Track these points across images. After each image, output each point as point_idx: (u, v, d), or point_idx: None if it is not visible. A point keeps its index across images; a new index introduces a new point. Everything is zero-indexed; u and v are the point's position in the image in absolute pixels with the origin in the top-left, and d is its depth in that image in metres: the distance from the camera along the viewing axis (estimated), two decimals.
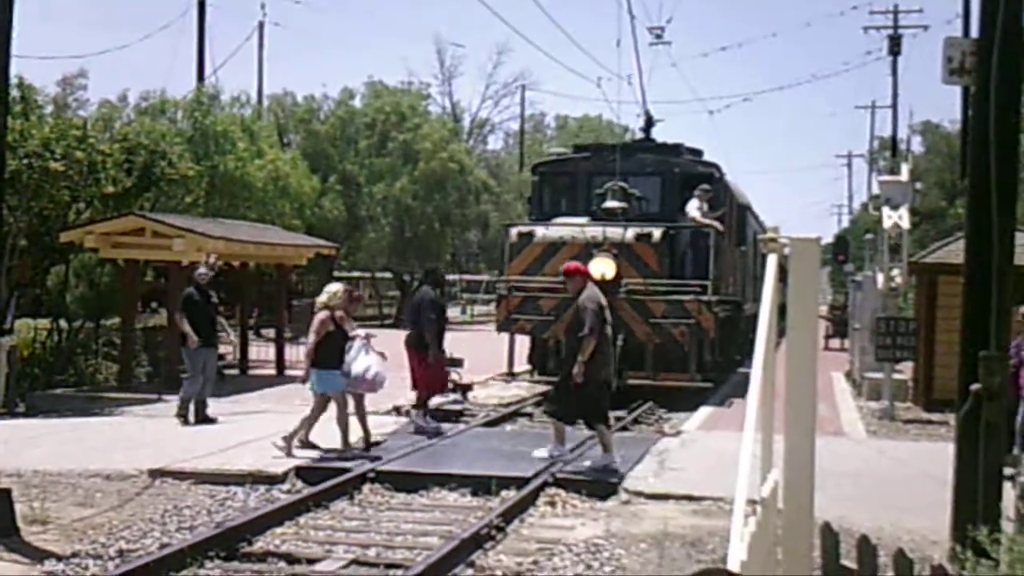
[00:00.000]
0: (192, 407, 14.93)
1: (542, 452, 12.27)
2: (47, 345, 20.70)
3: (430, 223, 46.23)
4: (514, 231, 20.74)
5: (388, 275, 51.58)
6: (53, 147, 18.22)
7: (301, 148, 43.21)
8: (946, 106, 78.14)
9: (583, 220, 20.11)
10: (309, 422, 12.82)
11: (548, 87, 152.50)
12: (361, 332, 13.11)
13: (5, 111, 9.44)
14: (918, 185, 20.45)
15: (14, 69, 10.01)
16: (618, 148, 21.63)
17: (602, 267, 18.58)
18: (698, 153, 22.60)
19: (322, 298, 13.05)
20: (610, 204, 20.07)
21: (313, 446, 12.71)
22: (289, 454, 12.28)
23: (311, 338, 12.73)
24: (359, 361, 12.59)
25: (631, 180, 20.57)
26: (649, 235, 19.26)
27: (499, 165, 59.65)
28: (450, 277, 63.35)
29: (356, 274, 52.76)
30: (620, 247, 19.15)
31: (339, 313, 12.88)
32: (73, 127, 19.97)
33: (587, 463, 11.94)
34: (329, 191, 43.50)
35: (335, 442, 12.80)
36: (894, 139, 48.58)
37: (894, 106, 48.99)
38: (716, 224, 20.18)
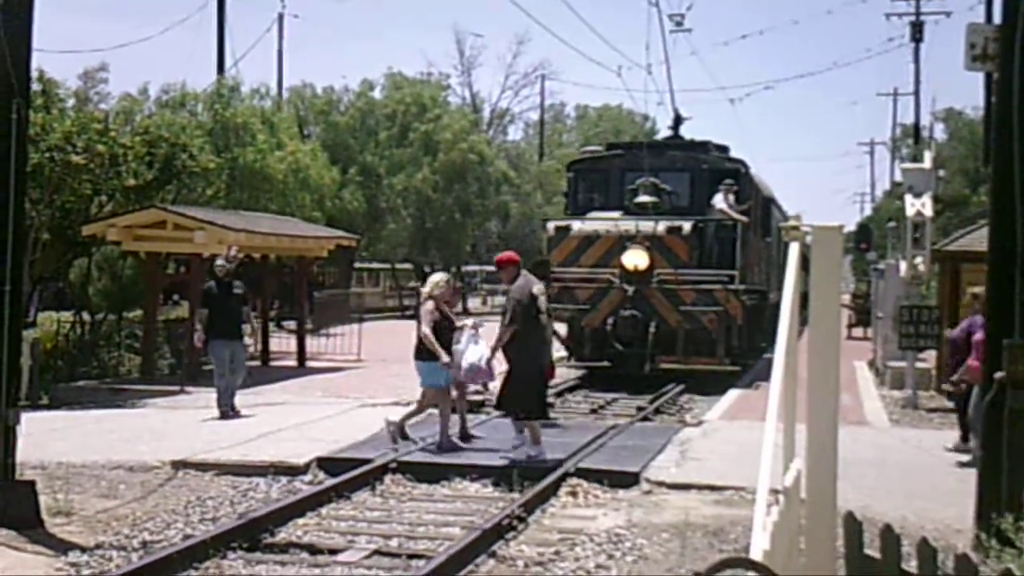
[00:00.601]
0: (226, 398, 14.86)
1: (520, 454, 11.86)
2: (70, 338, 20.82)
3: (450, 214, 46.24)
4: (552, 225, 21.70)
5: (408, 266, 51.61)
6: (75, 140, 18.31)
7: (321, 140, 43.25)
8: (969, 93, 77.83)
9: (617, 214, 20.98)
10: (415, 412, 12.63)
11: (568, 77, 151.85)
12: (469, 322, 12.80)
13: (27, 105, 9.47)
14: (941, 172, 20.37)
15: (35, 63, 10.02)
16: (649, 146, 22.86)
17: (635, 258, 19.64)
18: (725, 149, 23.37)
19: (426, 288, 12.67)
20: (642, 199, 20.93)
21: (406, 437, 12.45)
22: (396, 440, 12.18)
23: (425, 328, 12.17)
24: (470, 351, 12.22)
25: (662, 176, 21.50)
26: (679, 228, 20.21)
27: (519, 155, 59.55)
28: (470, 268, 63.38)
29: (376, 265, 52.85)
30: (652, 239, 20.02)
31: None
32: (94, 120, 20.06)
33: (512, 454, 11.82)
34: (349, 183, 43.54)
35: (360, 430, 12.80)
36: (916, 126, 48.34)
37: (916, 93, 48.78)
38: (742, 217, 20.92)
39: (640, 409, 16.68)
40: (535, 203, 54.71)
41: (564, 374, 20.33)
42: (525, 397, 11.74)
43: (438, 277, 12.85)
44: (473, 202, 47.35)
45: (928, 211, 17.76)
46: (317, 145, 38.80)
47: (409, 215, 45.74)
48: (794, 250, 4.89)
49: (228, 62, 35.41)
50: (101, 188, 19.76)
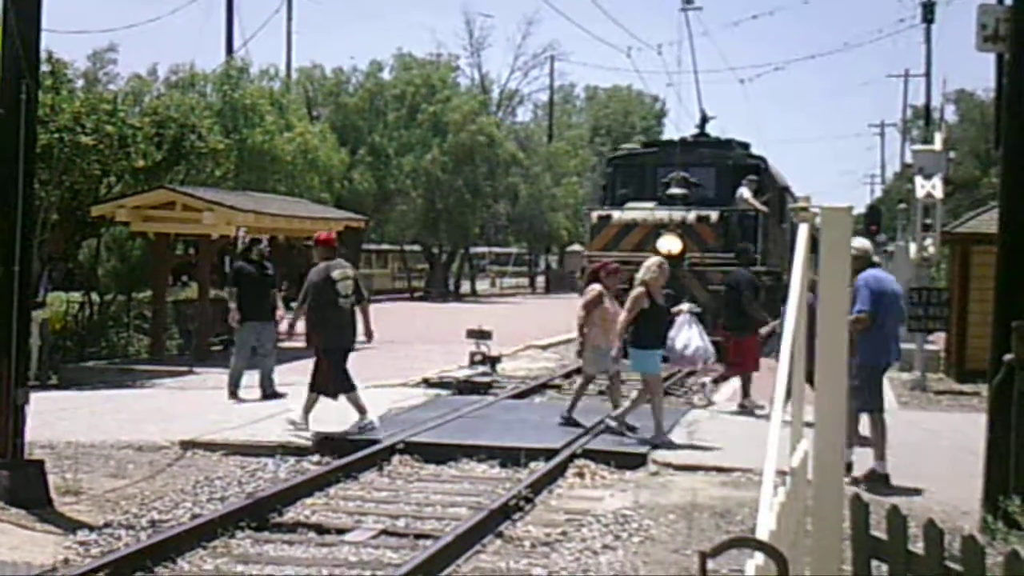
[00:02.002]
0: (268, 383, 14.83)
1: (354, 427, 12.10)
2: (79, 318, 20.87)
3: (459, 195, 46.21)
4: (594, 214, 24.07)
5: (417, 248, 51.61)
6: (84, 121, 18.30)
7: (330, 121, 43.20)
8: (980, 74, 77.52)
9: (651, 205, 23.25)
10: (635, 403, 12.27)
11: (577, 58, 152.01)
12: (685, 307, 12.65)
13: (36, 86, 9.47)
14: (951, 154, 20.36)
15: (44, 43, 10.01)
16: (680, 144, 25.50)
17: (669, 244, 21.63)
18: (746, 146, 26.09)
19: (640, 273, 12.11)
20: (674, 191, 23.26)
21: (632, 428, 12.14)
22: (620, 432, 11.95)
23: (623, 316, 11.89)
24: (680, 336, 12.06)
25: (691, 170, 23.91)
26: (707, 217, 22.56)
27: (528, 137, 59.42)
28: (479, 250, 63.39)
29: (385, 247, 52.89)
30: (683, 227, 22.27)
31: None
32: (103, 101, 20.06)
33: (347, 427, 12.01)
34: (358, 164, 43.53)
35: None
36: (927, 108, 48.05)
37: (927, 74, 48.44)
38: (763, 207, 23.21)
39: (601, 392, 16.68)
40: (544, 185, 54.65)
41: (559, 360, 20.37)
42: (333, 377, 12.11)
43: (651, 262, 12.31)
44: (482, 184, 47.30)
45: (938, 193, 17.71)
46: (326, 126, 38.78)
47: (418, 196, 45.71)
48: (803, 231, 4.87)
49: (237, 43, 35.52)
50: (110, 169, 19.76)
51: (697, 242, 22.15)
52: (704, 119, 26.95)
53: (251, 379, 14.86)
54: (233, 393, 14.70)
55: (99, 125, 18.48)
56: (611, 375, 12.80)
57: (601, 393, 14.61)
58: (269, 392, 14.76)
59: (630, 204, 23.74)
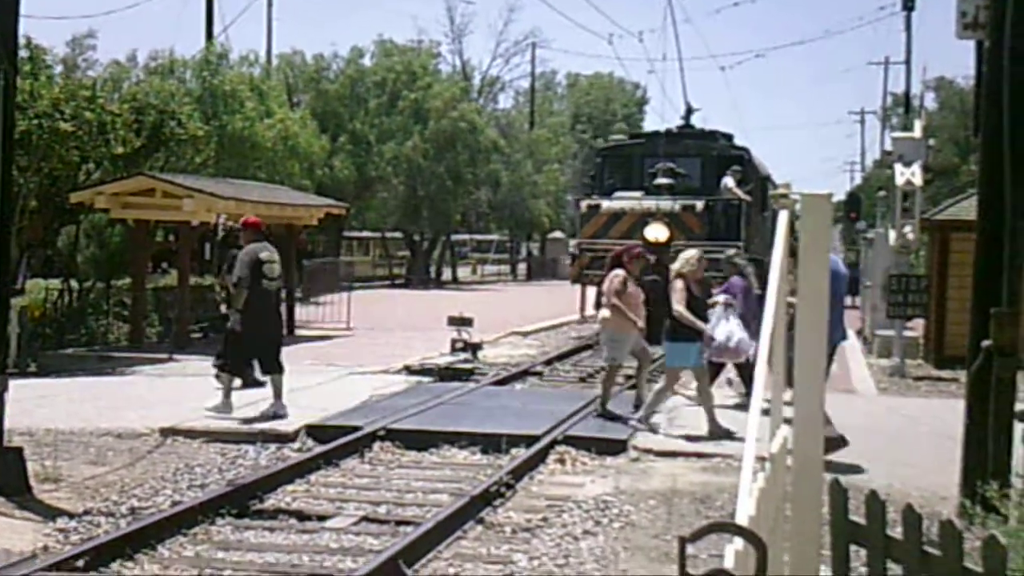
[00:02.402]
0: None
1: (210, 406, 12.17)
2: (58, 305, 20.77)
3: (441, 182, 46.13)
4: (584, 203, 25.21)
5: (398, 235, 51.53)
6: (63, 107, 18.19)
7: (310, 108, 43.02)
8: (960, 62, 77.72)
9: (639, 194, 24.23)
10: (663, 393, 12.06)
11: (559, 45, 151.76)
12: (721, 298, 12.37)
13: (15, 72, 9.40)
14: (931, 142, 20.43)
15: (23, 29, 9.93)
16: (666, 135, 26.48)
17: (656, 232, 22.07)
18: (730, 137, 27.14)
19: (676, 265, 12.00)
20: (660, 181, 24.21)
21: (654, 430, 11.76)
22: (647, 426, 11.69)
23: (679, 307, 11.55)
24: (720, 328, 11.69)
25: (677, 161, 24.93)
26: (693, 206, 23.49)
27: (510, 124, 59.37)
28: (460, 237, 63.32)
29: (366, 234, 52.80)
30: (670, 216, 23.02)
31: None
32: (82, 87, 19.94)
33: (258, 413, 12.10)
34: (339, 151, 43.40)
35: (331, 404, 12.80)
36: (907, 95, 48.19)
37: (908, 62, 48.56)
38: (746, 197, 24.03)
39: (629, 378, 16.73)
40: (525, 172, 54.62)
41: (540, 347, 20.45)
42: (264, 353, 12.37)
43: (690, 254, 12.14)
44: (463, 170, 47.23)
45: (918, 180, 17.78)
46: (306, 113, 38.59)
47: (399, 183, 45.61)
48: (783, 218, 4.88)
49: (217, 29, 35.25)
50: (89, 155, 19.66)
51: (683, 230, 22.67)
52: (689, 111, 28.05)
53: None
54: (251, 381, 14.55)
55: (78, 111, 18.37)
56: (641, 361, 12.69)
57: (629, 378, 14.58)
58: (250, 381, 14.68)
59: (618, 193, 24.59)
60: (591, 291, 23.11)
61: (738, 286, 13.19)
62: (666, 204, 23.38)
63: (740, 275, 13.61)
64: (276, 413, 12.04)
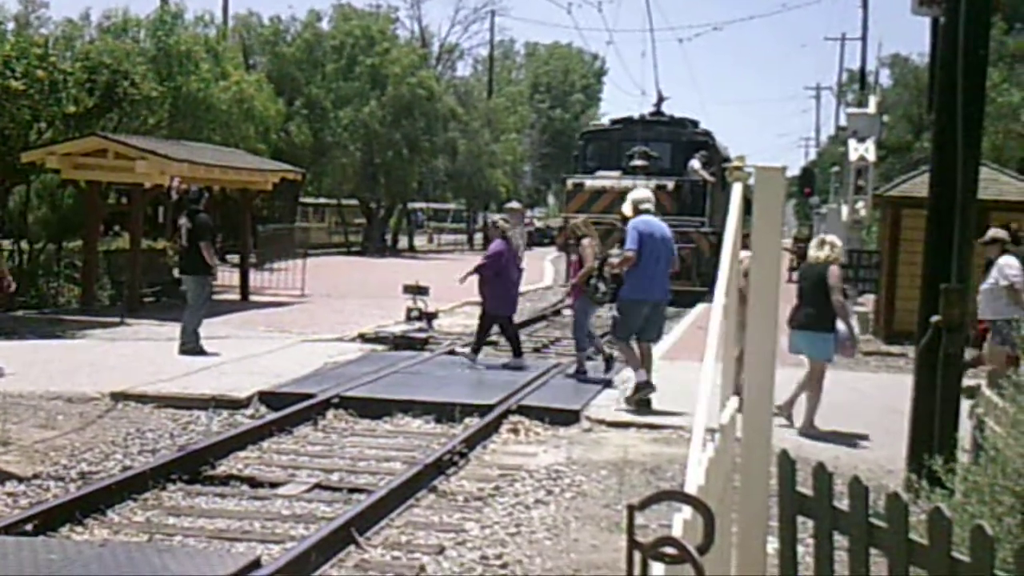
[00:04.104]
0: (183, 338, 14.49)
1: None
2: (8, 267, 20.46)
3: (398, 150, 45.87)
4: (570, 181, 28.96)
5: (354, 202, 51.24)
6: (14, 65, 17.92)
7: (266, 71, 42.57)
8: (916, 39, 78.19)
9: (617, 174, 27.60)
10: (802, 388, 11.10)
11: (518, 13, 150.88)
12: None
13: None
14: (885, 118, 20.67)
15: None
16: (642, 121, 30.08)
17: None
18: (696, 124, 30.92)
19: (824, 252, 10.95)
20: (636, 163, 27.54)
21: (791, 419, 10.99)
22: (790, 419, 10.91)
23: (838, 296, 10.74)
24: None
25: (651, 145, 28.38)
26: (665, 186, 26.77)
27: (468, 92, 59.07)
28: (417, 205, 63.05)
29: (322, 200, 52.43)
30: None
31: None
32: (34, 45, 19.61)
33: None
34: (295, 115, 43.02)
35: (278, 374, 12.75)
36: (863, 71, 48.59)
37: (864, 38, 48.98)
38: (710, 177, 27.64)
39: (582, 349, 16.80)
40: (483, 141, 54.44)
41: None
42: None
43: (840, 241, 11.42)
44: (421, 138, 46.98)
45: (871, 156, 17.95)
46: (262, 76, 38.21)
47: (356, 150, 45.30)
48: (736, 191, 4.91)
49: None
50: (40, 115, 19.37)
51: (656, 207, 24.12)
52: (660, 100, 32.06)
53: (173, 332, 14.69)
54: (197, 348, 14.44)
55: (29, 69, 18.09)
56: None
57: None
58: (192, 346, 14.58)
59: (600, 173, 28.22)
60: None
61: (500, 248, 14.04)
62: (641, 183, 25.04)
63: (503, 238, 14.24)
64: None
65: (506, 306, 14.44)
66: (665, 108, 31.58)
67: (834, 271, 10.82)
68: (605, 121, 37.30)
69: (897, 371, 14.80)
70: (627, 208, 12.14)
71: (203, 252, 14.63)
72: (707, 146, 29.26)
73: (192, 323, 14.57)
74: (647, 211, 11.90)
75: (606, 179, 27.62)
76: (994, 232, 12.76)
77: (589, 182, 27.91)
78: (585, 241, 13.26)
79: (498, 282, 14.19)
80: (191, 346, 14.34)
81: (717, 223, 27.19)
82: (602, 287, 12.58)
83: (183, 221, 15.03)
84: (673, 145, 29.29)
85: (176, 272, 14.81)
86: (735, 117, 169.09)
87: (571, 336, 14.48)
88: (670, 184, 27.05)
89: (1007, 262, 12.20)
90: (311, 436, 10.44)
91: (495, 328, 14.80)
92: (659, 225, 11.89)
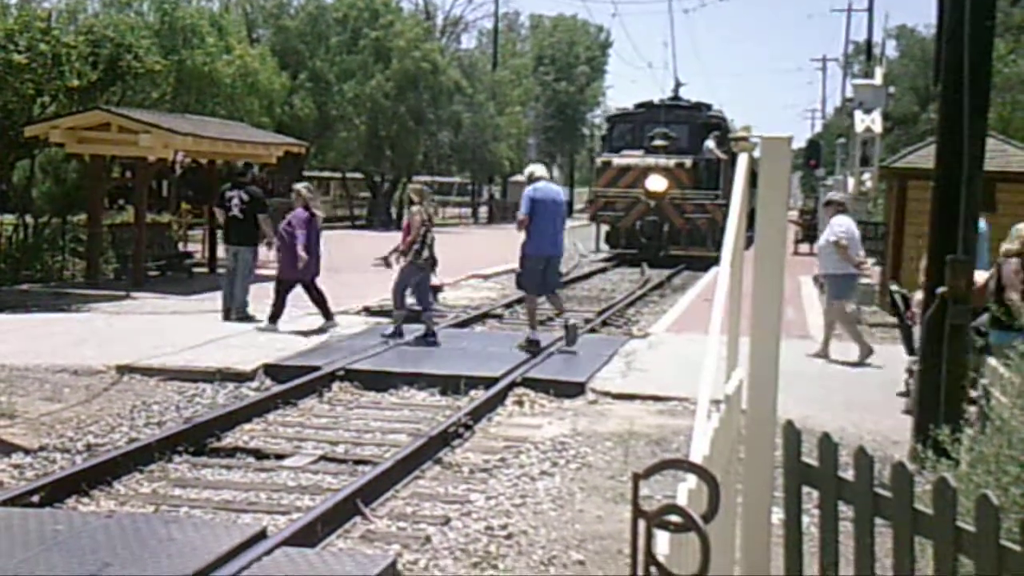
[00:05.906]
0: (235, 306, 15.06)
1: None
2: (13, 240, 20.52)
3: (403, 123, 45.74)
4: (599, 159, 33.86)
5: (359, 175, 51.13)
6: (17, 39, 17.88)
7: (270, 44, 42.39)
8: (922, 10, 77.81)
9: (640, 153, 31.98)
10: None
11: None
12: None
13: None
14: (891, 89, 20.57)
15: None
16: (663, 106, 34.30)
17: (655, 183, 30.56)
18: (711, 107, 36.00)
19: (1015, 245, 9.37)
20: (657, 143, 31.57)
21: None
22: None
23: (1014, 295, 9.13)
24: None
25: (670, 127, 32.45)
26: (683, 163, 31.20)
27: (472, 65, 58.78)
28: (422, 178, 62.86)
29: (327, 174, 52.34)
30: (666, 170, 31.16)
31: None
32: (37, 19, 19.58)
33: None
34: (299, 89, 42.84)
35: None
36: (869, 43, 48.33)
37: (870, 9, 48.74)
38: (723, 155, 31.29)
39: (587, 321, 16.83)
40: (488, 114, 54.24)
41: (500, 290, 20.46)
42: None
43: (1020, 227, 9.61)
44: (425, 111, 46.84)
45: (877, 128, 17.88)
46: (266, 49, 38.07)
47: (361, 123, 45.16)
48: (742, 161, 4.89)
49: None
50: (44, 88, 19.32)
51: (676, 182, 30.63)
52: (678, 85, 37.42)
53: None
54: (248, 315, 14.94)
55: (32, 43, 18.04)
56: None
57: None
58: (244, 315, 15.07)
59: (625, 152, 32.43)
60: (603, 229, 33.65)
61: (301, 217, 14.52)
62: (663, 161, 30.77)
63: (305, 207, 14.66)
64: None
65: (299, 271, 14.65)
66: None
67: (1011, 264, 9.21)
68: (628, 104, 40.29)
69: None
70: (524, 178, 13.85)
71: (261, 224, 15.31)
72: (720, 128, 33.44)
73: (243, 292, 15.11)
74: (541, 178, 13.31)
75: (631, 157, 31.70)
76: (830, 195, 15.27)
77: (616, 160, 32.03)
78: (414, 208, 13.94)
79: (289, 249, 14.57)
80: (243, 314, 14.93)
81: (730, 196, 29.82)
82: (425, 253, 13.62)
83: (233, 193, 15.23)
84: (690, 127, 33.09)
85: (219, 243, 15.06)
86: (741, 89, 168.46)
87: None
88: (688, 162, 31.04)
89: (838, 221, 13.28)
90: (316, 408, 10.46)
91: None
92: (554, 191, 13.49)
